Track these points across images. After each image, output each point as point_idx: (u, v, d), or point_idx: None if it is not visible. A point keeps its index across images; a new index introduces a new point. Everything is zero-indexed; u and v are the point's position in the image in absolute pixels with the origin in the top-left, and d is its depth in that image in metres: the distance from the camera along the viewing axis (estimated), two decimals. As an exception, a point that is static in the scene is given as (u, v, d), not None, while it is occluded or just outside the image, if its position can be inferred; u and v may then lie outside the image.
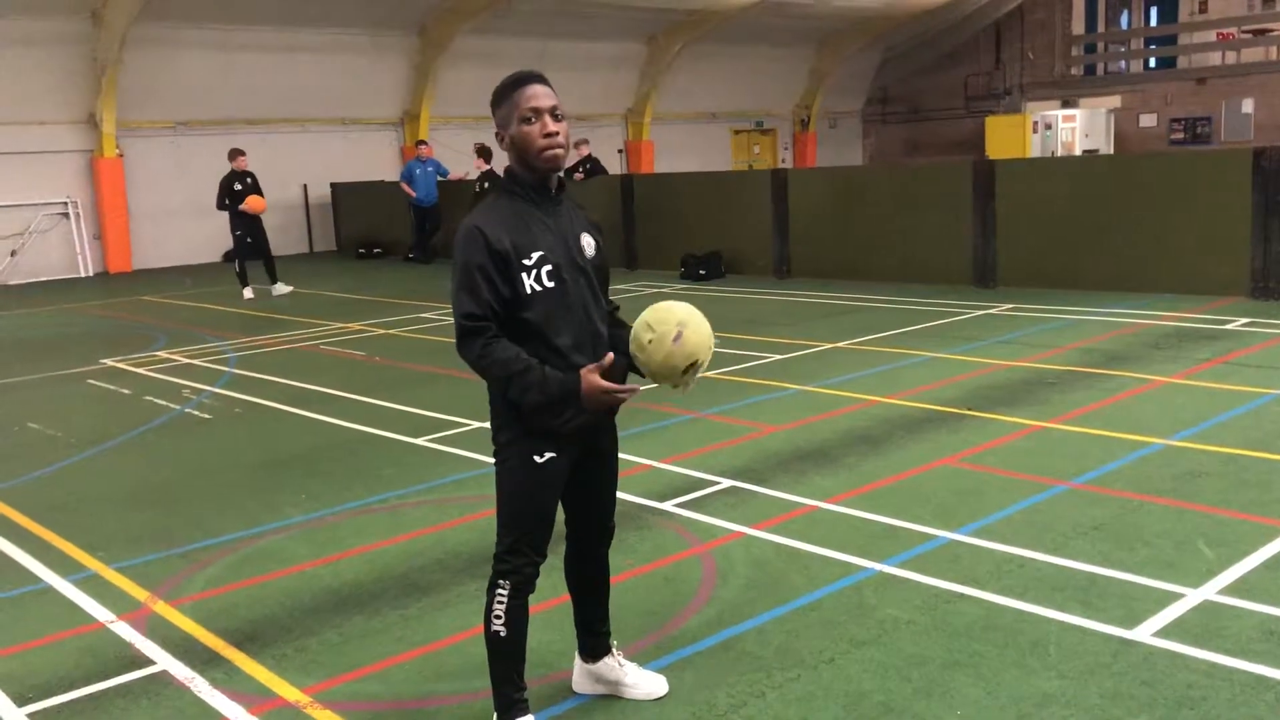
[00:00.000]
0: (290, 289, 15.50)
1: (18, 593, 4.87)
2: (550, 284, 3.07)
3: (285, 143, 21.87)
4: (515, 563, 3.19)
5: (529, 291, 3.04)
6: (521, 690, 3.29)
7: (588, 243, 3.21)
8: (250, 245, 15.40)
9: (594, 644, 3.60)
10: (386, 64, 23.02)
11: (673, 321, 3.08)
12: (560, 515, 3.33)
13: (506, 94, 3.09)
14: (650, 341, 3.09)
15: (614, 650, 3.63)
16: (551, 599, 4.25)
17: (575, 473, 3.29)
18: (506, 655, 3.24)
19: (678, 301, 3.18)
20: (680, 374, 3.12)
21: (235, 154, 15.45)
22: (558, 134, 3.06)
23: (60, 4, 18.40)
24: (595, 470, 3.35)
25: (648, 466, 6.19)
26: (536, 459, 3.14)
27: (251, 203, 15.11)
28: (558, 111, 3.09)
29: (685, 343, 3.07)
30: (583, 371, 3.04)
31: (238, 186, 15.22)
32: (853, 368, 8.78)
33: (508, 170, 3.19)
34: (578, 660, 3.66)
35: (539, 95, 3.06)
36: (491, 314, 3.01)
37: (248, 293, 15.43)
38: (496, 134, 3.17)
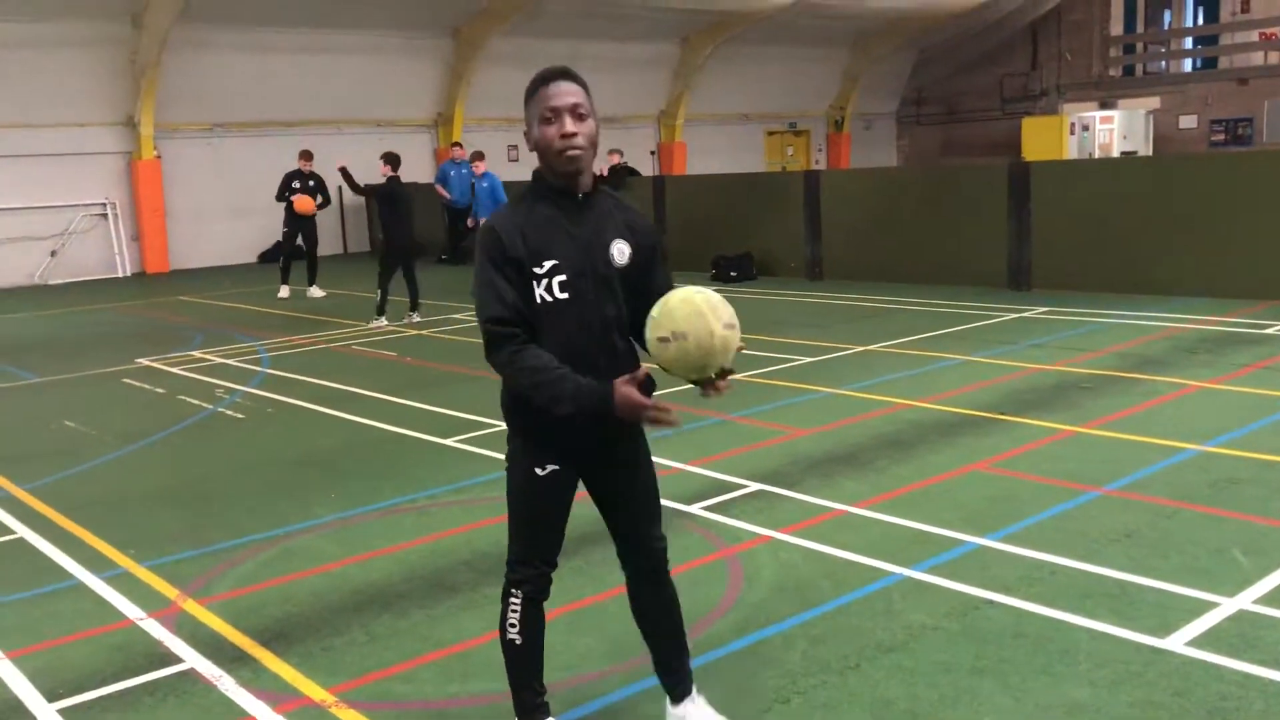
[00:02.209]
0: (324, 294, 15.60)
1: (50, 589, 4.93)
2: (562, 295, 2.94)
3: (320, 144, 21.86)
4: (525, 573, 3.13)
5: (538, 301, 2.94)
6: (540, 694, 3.25)
7: (619, 249, 3.02)
8: (296, 245, 15.61)
9: (667, 685, 3.34)
10: (420, 66, 23.15)
11: (667, 328, 2.83)
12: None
13: (530, 93, 2.97)
14: (653, 342, 2.88)
15: (694, 695, 3.33)
16: (576, 601, 4.25)
17: (599, 488, 3.20)
18: (523, 662, 3.19)
19: (698, 292, 2.89)
20: (694, 379, 2.88)
21: (302, 155, 15.75)
22: (576, 135, 2.89)
23: (101, 7, 18.65)
24: (619, 484, 3.19)
25: (675, 469, 6.18)
26: (538, 471, 3.06)
27: (299, 203, 15.33)
28: (580, 110, 2.91)
29: (682, 352, 2.81)
30: (616, 383, 2.86)
31: (295, 184, 15.48)
32: (884, 371, 8.72)
33: (535, 172, 3.06)
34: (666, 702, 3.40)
35: (558, 94, 2.90)
36: (517, 316, 2.91)
37: (283, 291, 15.58)
38: (525, 134, 3.06)
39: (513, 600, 3.14)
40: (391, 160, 12.71)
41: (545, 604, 3.19)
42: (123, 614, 4.58)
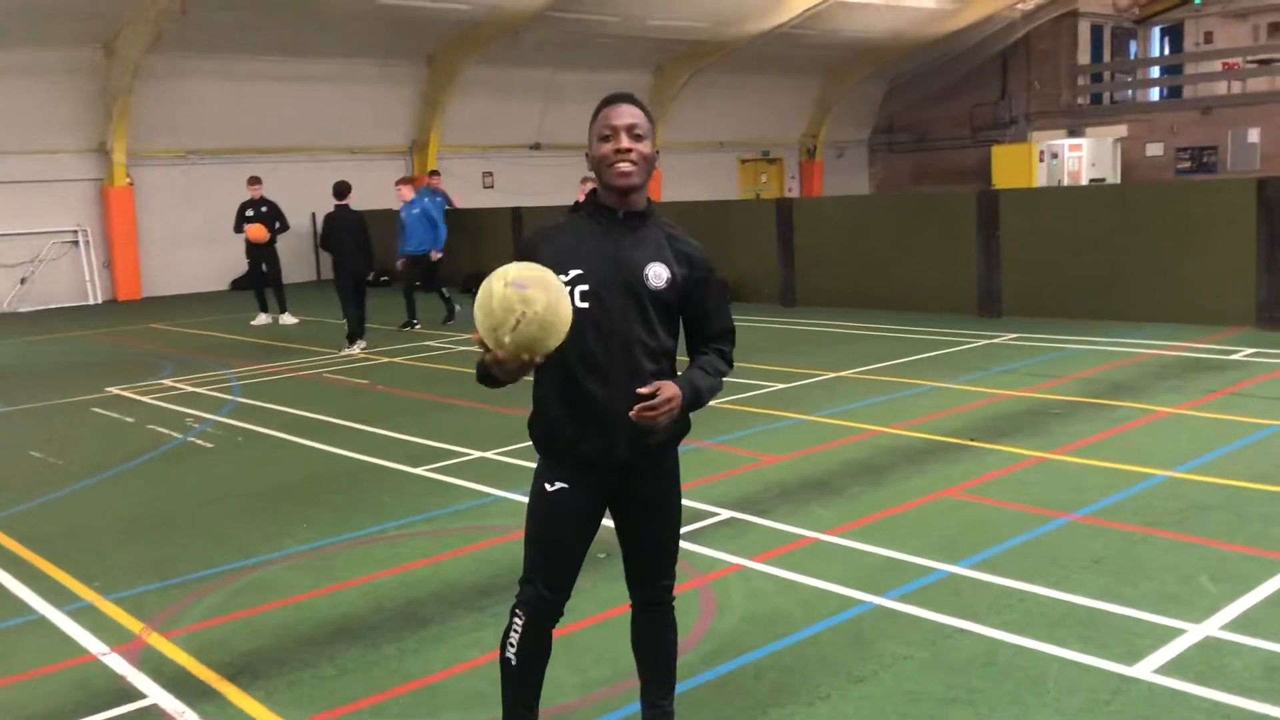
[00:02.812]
0: (297, 320, 15.49)
1: (11, 624, 4.85)
2: (583, 304, 2.95)
3: (294, 171, 21.97)
4: (527, 593, 3.13)
5: None
6: (531, 713, 3.23)
7: (655, 272, 3.02)
8: (260, 273, 15.53)
9: (647, 716, 3.37)
10: (395, 93, 23.18)
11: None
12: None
13: (594, 116, 3.04)
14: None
15: None
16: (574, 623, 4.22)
17: (623, 521, 3.21)
18: (516, 683, 3.17)
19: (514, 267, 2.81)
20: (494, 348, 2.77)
21: (250, 181, 15.63)
22: (630, 151, 2.97)
23: (73, 35, 18.58)
24: (644, 523, 3.19)
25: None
26: (547, 487, 3.10)
27: (250, 231, 15.24)
28: (637, 130, 2.99)
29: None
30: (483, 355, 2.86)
31: (249, 213, 15.38)
32: (856, 397, 8.75)
33: (591, 190, 3.15)
34: None
35: (618, 114, 3.00)
36: None
37: (259, 319, 15.48)
38: (586, 155, 3.10)
39: (515, 619, 3.13)
40: (335, 191, 12.83)
41: (548, 636, 3.18)
42: (85, 649, 4.51)
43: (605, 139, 2.99)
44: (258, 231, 15.22)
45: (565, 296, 2.80)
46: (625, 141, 2.98)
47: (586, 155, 3.09)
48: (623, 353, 2.99)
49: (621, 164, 2.98)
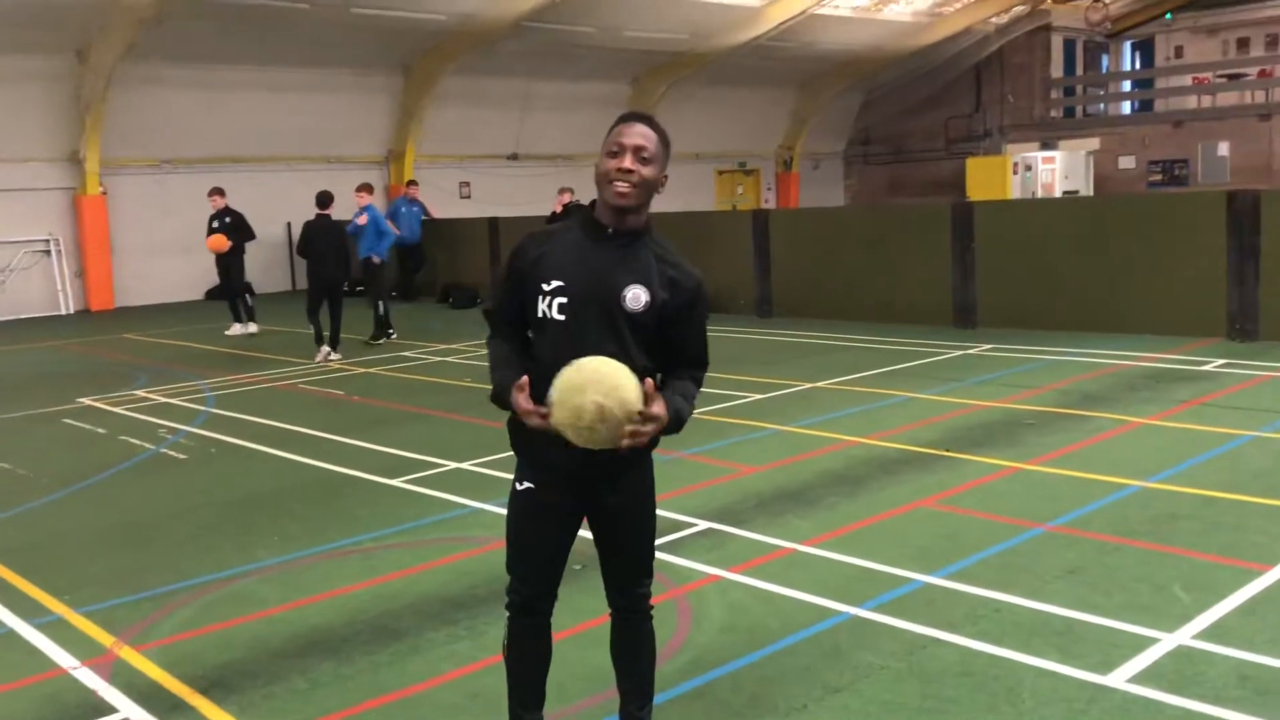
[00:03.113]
0: (246, 331, 15.35)
1: (-19, 638, 4.79)
2: (559, 316, 3.00)
3: (270, 181, 21.86)
4: (510, 593, 3.24)
5: (539, 316, 3.05)
6: (528, 713, 3.31)
7: (634, 295, 3.02)
8: (225, 281, 15.45)
9: None
10: (371, 103, 23.12)
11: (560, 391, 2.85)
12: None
13: (609, 130, 3.06)
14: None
15: None
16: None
17: (596, 527, 3.23)
18: (513, 679, 3.31)
19: (589, 364, 2.87)
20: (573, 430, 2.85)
21: (212, 193, 15.50)
22: (632, 171, 2.97)
23: (45, 43, 18.43)
24: (616, 528, 3.21)
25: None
26: (517, 485, 3.19)
27: (210, 242, 15.16)
28: (645, 153, 2.99)
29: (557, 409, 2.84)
30: (514, 386, 2.95)
31: (214, 224, 15.27)
32: (832, 408, 8.78)
33: (591, 201, 3.17)
34: None
35: (629, 132, 3.01)
36: (500, 313, 3.15)
37: (234, 329, 15.37)
38: (595, 165, 3.12)
39: (507, 617, 3.25)
40: (318, 200, 12.89)
41: (542, 634, 3.29)
42: (55, 663, 4.46)
43: (613, 155, 3.00)
44: (217, 242, 15.10)
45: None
46: (629, 162, 2.98)
47: (596, 165, 3.10)
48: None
49: (620, 184, 2.99)
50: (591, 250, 3.05)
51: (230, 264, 15.38)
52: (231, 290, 15.58)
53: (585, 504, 3.18)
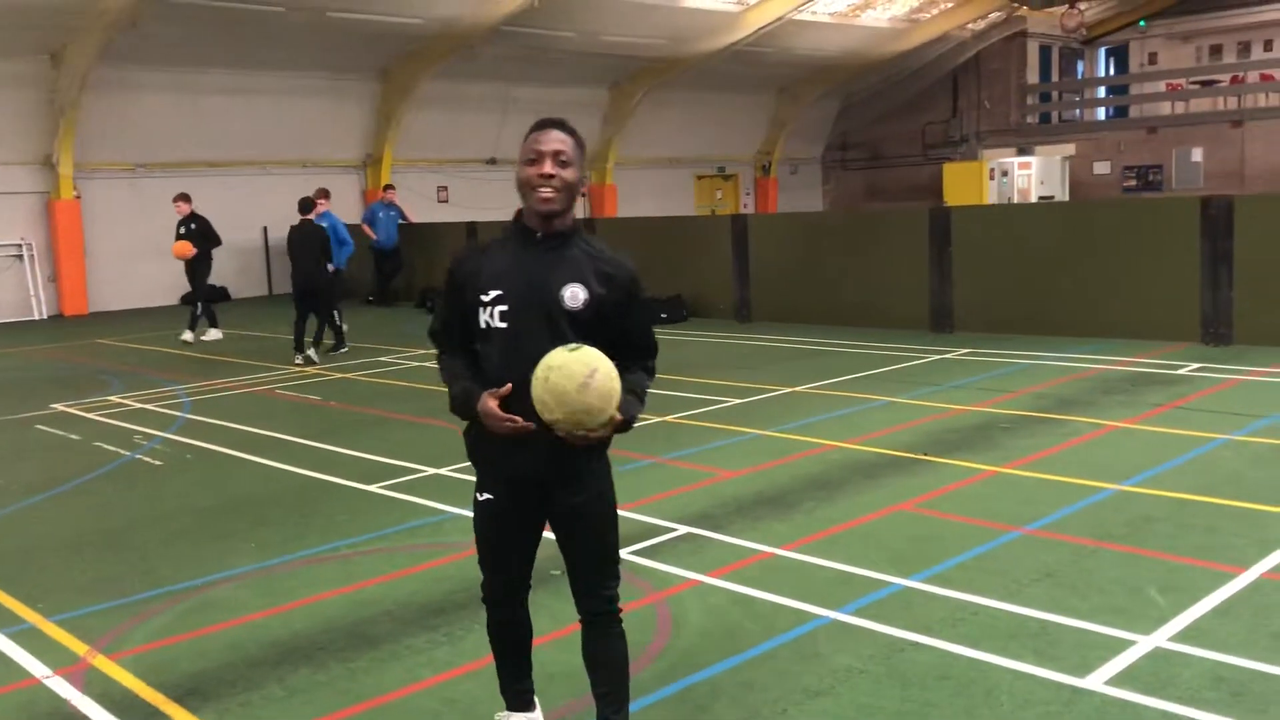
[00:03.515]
0: (193, 339, 15.19)
1: (-48, 647, 4.73)
2: (501, 324, 3.09)
3: (246, 185, 21.75)
4: (482, 585, 3.38)
5: (483, 326, 3.13)
6: (514, 686, 3.49)
7: (572, 293, 3.09)
8: (211, 286, 15.30)
9: None
10: (349, 107, 23.04)
11: (588, 365, 2.91)
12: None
13: (525, 138, 3.13)
14: (547, 379, 2.92)
15: None
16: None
17: (555, 529, 3.29)
18: (499, 659, 3.47)
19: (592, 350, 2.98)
20: (579, 423, 2.93)
21: (177, 198, 15.29)
22: (552, 176, 3.06)
23: (19, 45, 18.26)
24: (565, 530, 3.26)
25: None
26: (478, 496, 3.29)
27: (174, 249, 15.02)
28: (563, 157, 3.08)
29: (591, 390, 2.89)
30: (484, 394, 3.06)
31: (182, 230, 15.09)
32: (811, 412, 8.80)
33: (517, 211, 3.22)
34: None
35: (544, 139, 3.09)
36: (445, 331, 3.25)
37: (210, 334, 15.25)
38: (516, 174, 3.18)
39: (485, 608, 3.41)
40: (299, 206, 12.94)
41: (518, 623, 3.43)
42: (28, 671, 4.41)
43: (531, 162, 3.08)
44: (182, 248, 14.93)
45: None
46: (549, 167, 3.06)
47: (516, 175, 3.17)
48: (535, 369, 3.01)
49: (543, 189, 3.07)
50: (524, 256, 3.13)
51: (196, 270, 15.16)
52: (196, 297, 15.35)
53: (544, 509, 3.25)
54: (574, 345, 2.97)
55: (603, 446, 3.20)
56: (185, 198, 15.33)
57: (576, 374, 2.88)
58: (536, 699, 3.61)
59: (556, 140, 3.08)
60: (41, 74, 18.96)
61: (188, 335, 15.14)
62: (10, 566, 5.78)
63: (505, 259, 3.14)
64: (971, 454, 7.20)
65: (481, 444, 3.20)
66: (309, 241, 12.74)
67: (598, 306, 3.12)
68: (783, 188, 32.10)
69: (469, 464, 3.35)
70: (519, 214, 3.19)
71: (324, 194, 14.06)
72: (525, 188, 3.09)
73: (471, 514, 3.37)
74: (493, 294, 3.09)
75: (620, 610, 3.34)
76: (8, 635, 4.80)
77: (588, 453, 3.14)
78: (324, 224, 13.22)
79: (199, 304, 15.32)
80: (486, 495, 3.25)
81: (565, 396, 2.88)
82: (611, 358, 3.06)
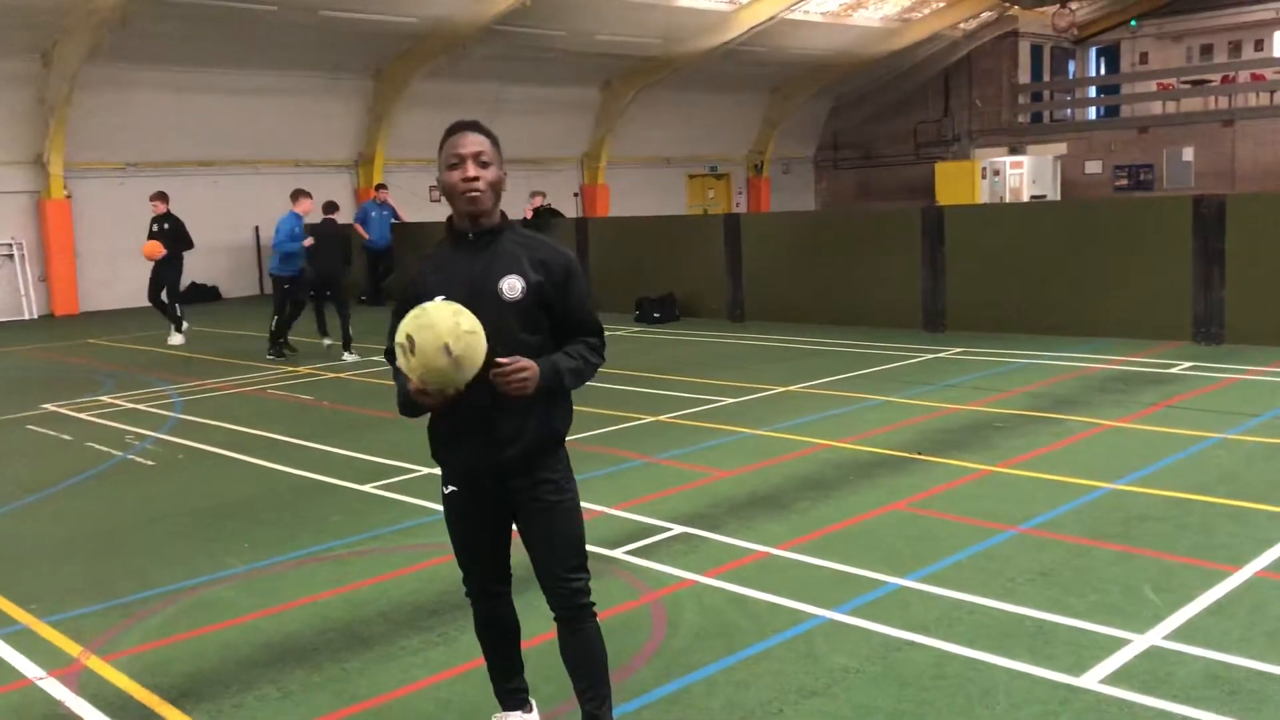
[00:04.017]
0: (183, 339, 15.09)
1: (-56, 648, 4.70)
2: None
3: (238, 184, 21.71)
4: (463, 580, 3.44)
5: None
6: (504, 684, 3.54)
7: (509, 284, 3.15)
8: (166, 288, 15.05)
9: None
10: (341, 107, 22.99)
11: (402, 335, 2.97)
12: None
13: (441, 144, 3.20)
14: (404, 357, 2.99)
15: None
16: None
17: (519, 523, 3.32)
18: (488, 655, 3.53)
19: (430, 306, 2.99)
20: (443, 376, 2.95)
21: (153, 197, 15.16)
22: (477, 179, 3.12)
23: (9, 44, 18.18)
24: (524, 522, 3.30)
25: (599, 512, 6.13)
26: (444, 489, 3.36)
27: (145, 248, 14.75)
28: (483, 157, 3.14)
29: (419, 353, 2.92)
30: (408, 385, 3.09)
31: (154, 229, 14.91)
32: (804, 411, 8.80)
33: (448, 217, 3.28)
34: None
35: (462, 143, 3.15)
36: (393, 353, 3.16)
37: (176, 338, 15.07)
38: (437, 181, 3.26)
39: (470, 602, 3.46)
40: (324, 208, 13.58)
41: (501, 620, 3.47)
42: (21, 673, 4.39)
43: (453, 167, 3.15)
44: (153, 248, 14.68)
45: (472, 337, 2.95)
46: (472, 169, 3.13)
47: (437, 182, 3.25)
48: (485, 367, 3.05)
49: (470, 192, 3.13)
50: (460, 257, 3.21)
51: (163, 272, 14.95)
52: (157, 296, 15.08)
53: (505, 500, 3.28)
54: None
55: (550, 438, 3.23)
56: (163, 196, 15.13)
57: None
58: (533, 700, 3.60)
59: (475, 142, 3.15)
60: (32, 73, 18.88)
61: (177, 338, 15.02)
62: (2, 567, 5.75)
63: (444, 264, 3.21)
64: (965, 453, 7.21)
65: (438, 437, 3.29)
66: (331, 239, 13.44)
67: (538, 293, 3.17)
68: (775, 187, 32.13)
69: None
70: (449, 220, 3.25)
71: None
72: (453, 192, 3.16)
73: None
74: (438, 299, 3.07)
75: (593, 605, 3.32)
76: (1, 637, 4.78)
77: (540, 441, 3.20)
78: (288, 224, 13.28)
79: (176, 305, 15.14)
80: (451, 488, 3.33)
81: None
82: (559, 342, 3.21)
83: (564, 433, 3.28)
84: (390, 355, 3.19)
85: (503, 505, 3.29)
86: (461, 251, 3.22)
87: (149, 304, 15.36)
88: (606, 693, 3.37)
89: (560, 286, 3.22)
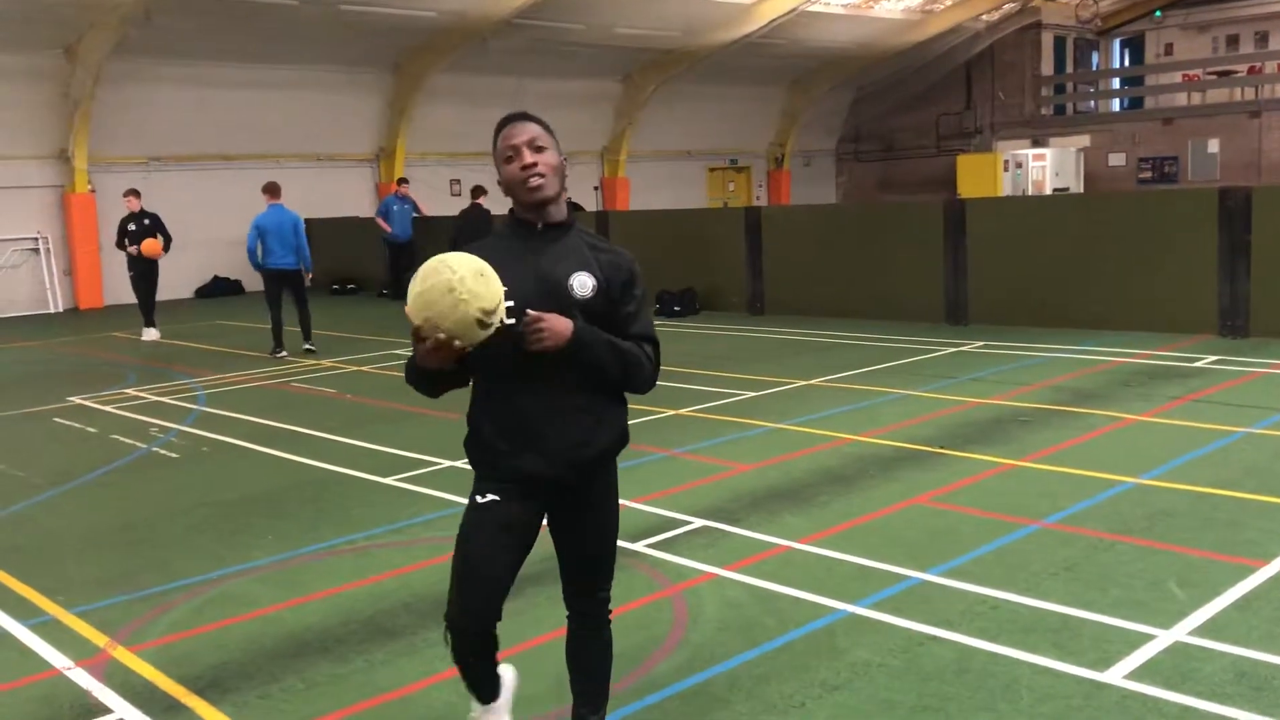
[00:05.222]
0: (157, 336, 15.08)
1: (-27, 638, 4.76)
2: (509, 320, 2.92)
3: (259, 178, 21.65)
4: (450, 612, 3.09)
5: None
6: (485, 685, 3.28)
7: (580, 281, 3.03)
8: (143, 286, 14.94)
9: None
10: (362, 101, 23.06)
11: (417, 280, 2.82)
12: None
13: (494, 142, 3.08)
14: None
15: None
16: (517, 644, 4.18)
17: (561, 528, 3.20)
18: (470, 683, 3.27)
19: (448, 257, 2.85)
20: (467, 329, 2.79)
21: (128, 194, 14.95)
22: (535, 164, 3.00)
23: (33, 39, 18.33)
24: (572, 530, 3.18)
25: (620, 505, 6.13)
26: (478, 499, 3.09)
27: (146, 246, 14.55)
28: (538, 143, 3.03)
29: (421, 304, 2.78)
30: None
31: (131, 227, 14.69)
32: (825, 405, 8.78)
33: (509, 210, 3.15)
34: None
35: (514, 133, 3.04)
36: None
37: (149, 334, 14.99)
38: (497, 181, 3.12)
39: (447, 635, 3.12)
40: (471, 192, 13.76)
41: (490, 646, 3.17)
42: (49, 663, 4.43)
43: (510, 159, 3.03)
44: (154, 246, 14.53)
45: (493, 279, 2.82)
46: (530, 156, 3.01)
47: (498, 181, 3.11)
48: (551, 368, 2.97)
49: (532, 179, 3.00)
50: (526, 251, 3.05)
51: (149, 266, 14.86)
52: (150, 294, 15.02)
53: (550, 509, 3.15)
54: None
55: (617, 445, 3.14)
56: (136, 193, 14.95)
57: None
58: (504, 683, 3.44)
59: (528, 130, 3.04)
60: (56, 68, 19.03)
61: (151, 333, 14.96)
62: (30, 559, 5.81)
63: (505, 256, 3.00)
64: (988, 447, 7.17)
65: (488, 449, 3.07)
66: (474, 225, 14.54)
67: (606, 293, 3.07)
68: (795, 180, 32.01)
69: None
70: (512, 213, 3.12)
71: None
72: (514, 185, 3.04)
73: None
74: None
75: (611, 614, 3.30)
76: (29, 627, 4.83)
77: (614, 443, 3.12)
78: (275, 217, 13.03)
79: (149, 301, 15.04)
80: (491, 497, 3.06)
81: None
82: None
83: (622, 440, 3.17)
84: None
85: (542, 517, 3.15)
86: (528, 244, 3.07)
87: (147, 300, 15.14)
88: (605, 699, 3.36)
89: (626, 289, 3.11)
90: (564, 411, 3.02)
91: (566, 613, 3.31)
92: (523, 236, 3.08)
